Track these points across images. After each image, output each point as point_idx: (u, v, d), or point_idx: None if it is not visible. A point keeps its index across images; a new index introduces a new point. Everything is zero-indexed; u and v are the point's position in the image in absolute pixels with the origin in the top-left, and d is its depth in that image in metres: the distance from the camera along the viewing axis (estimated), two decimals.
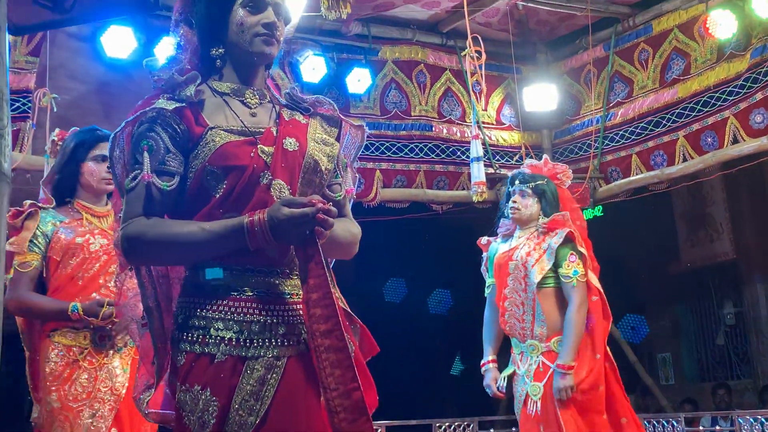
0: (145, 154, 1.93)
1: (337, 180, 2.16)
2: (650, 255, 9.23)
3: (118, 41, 5.88)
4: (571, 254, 3.87)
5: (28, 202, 3.25)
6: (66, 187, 3.31)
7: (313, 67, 6.68)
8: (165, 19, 5.87)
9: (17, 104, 5.59)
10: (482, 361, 4.16)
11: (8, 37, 1.13)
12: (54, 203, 3.29)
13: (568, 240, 3.91)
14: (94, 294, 3.18)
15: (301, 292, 1.95)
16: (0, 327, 1.51)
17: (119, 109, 6.37)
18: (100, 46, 5.93)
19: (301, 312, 1.96)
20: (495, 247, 4.17)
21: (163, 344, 2.03)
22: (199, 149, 1.96)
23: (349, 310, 2.05)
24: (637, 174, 7.24)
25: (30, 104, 5.63)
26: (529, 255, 3.91)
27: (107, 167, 3.23)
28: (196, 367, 1.90)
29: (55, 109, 5.52)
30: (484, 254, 4.25)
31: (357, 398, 1.83)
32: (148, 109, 1.97)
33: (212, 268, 1.94)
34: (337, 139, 2.17)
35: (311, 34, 6.73)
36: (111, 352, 3.20)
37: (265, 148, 1.99)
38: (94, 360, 3.14)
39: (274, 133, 2.03)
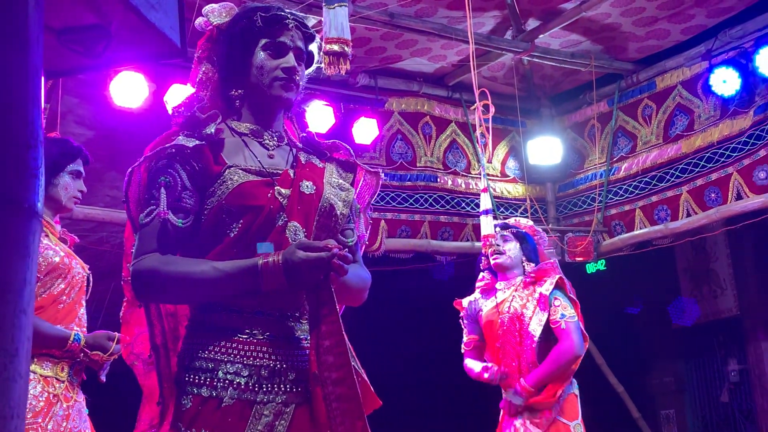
0: (162, 190, 1.91)
1: (350, 225, 2.15)
2: (653, 310, 9.18)
3: (128, 88, 5.91)
4: (555, 299, 3.83)
5: None
6: None
7: (320, 116, 6.72)
8: (175, 66, 5.93)
9: None
10: (481, 371, 3.94)
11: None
12: None
13: (558, 287, 3.88)
14: (72, 325, 2.90)
15: (310, 338, 1.92)
16: None
17: (127, 154, 6.36)
18: (109, 92, 5.96)
19: (310, 358, 1.92)
20: (477, 304, 4.10)
21: (169, 384, 1.99)
22: (215, 187, 1.94)
23: (354, 362, 2.01)
24: (640, 228, 7.25)
25: None
26: (525, 308, 3.86)
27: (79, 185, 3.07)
28: (203, 411, 1.86)
29: None
30: (462, 312, 4.19)
31: None
32: (167, 145, 1.96)
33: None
34: (352, 184, 2.17)
35: (319, 84, 6.79)
36: (78, 388, 2.94)
37: (282, 190, 1.98)
38: (69, 396, 2.88)
39: (291, 175, 2.03)
